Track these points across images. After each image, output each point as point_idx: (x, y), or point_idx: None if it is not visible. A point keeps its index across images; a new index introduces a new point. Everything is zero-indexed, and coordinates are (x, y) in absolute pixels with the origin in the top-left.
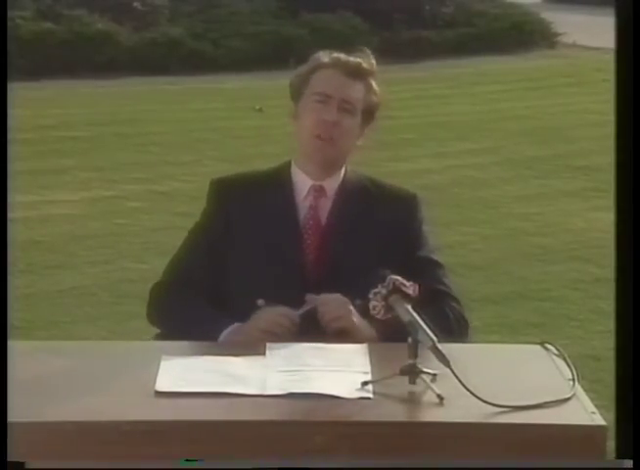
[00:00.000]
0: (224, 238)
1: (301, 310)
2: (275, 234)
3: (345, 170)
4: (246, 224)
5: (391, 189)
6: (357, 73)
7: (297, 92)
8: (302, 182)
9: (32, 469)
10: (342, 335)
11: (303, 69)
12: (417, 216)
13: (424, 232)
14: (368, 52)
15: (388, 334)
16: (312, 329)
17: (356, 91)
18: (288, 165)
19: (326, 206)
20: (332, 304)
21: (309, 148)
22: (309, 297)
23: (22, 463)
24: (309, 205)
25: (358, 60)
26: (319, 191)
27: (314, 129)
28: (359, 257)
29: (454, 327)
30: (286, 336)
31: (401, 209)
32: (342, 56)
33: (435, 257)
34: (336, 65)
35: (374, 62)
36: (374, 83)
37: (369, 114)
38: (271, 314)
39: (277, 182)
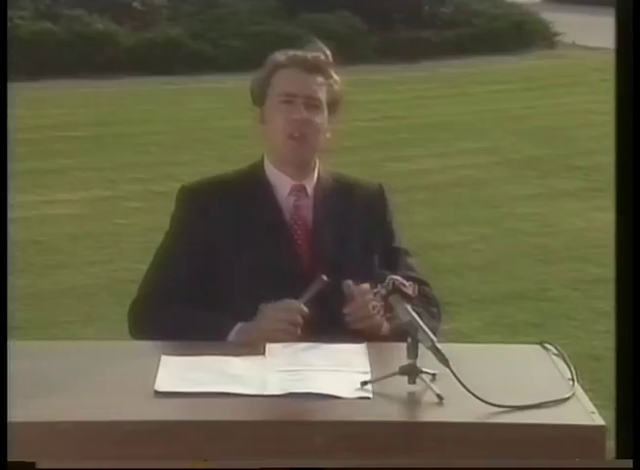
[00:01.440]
0: (206, 243)
1: (304, 298)
2: (265, 236)
3: (318, 168)
4: (230, 229)
5: (361, 183)
6: (316, 68)
7: (259, 95)
8: (282, 182)
9: (44, 469)
10: (366, 333)
11: (262, 72)
12: (389, 208)
13: (394, 223)
14: (322, 45)
15: (400, 332)
16: (320, 315)
17: (319, 85)
18: (260, 166)
19: (308, 204)
20: (360, 301)
21: (283, 150)
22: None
23: (33, 463)
24: (293, 205)
25: (315, 54)
26: (301, 191)
27: (285, 129)
28: (349, 253)
29: (435, 311)
30: (294, 329)
31: (375, 202)
32: (299, 53)
33: (404, 245)
34: (294, 62)
35: (329, 53)
36: (334, 74)
37: (334, 105)
38: (274, 311)
39: (254, 184)
